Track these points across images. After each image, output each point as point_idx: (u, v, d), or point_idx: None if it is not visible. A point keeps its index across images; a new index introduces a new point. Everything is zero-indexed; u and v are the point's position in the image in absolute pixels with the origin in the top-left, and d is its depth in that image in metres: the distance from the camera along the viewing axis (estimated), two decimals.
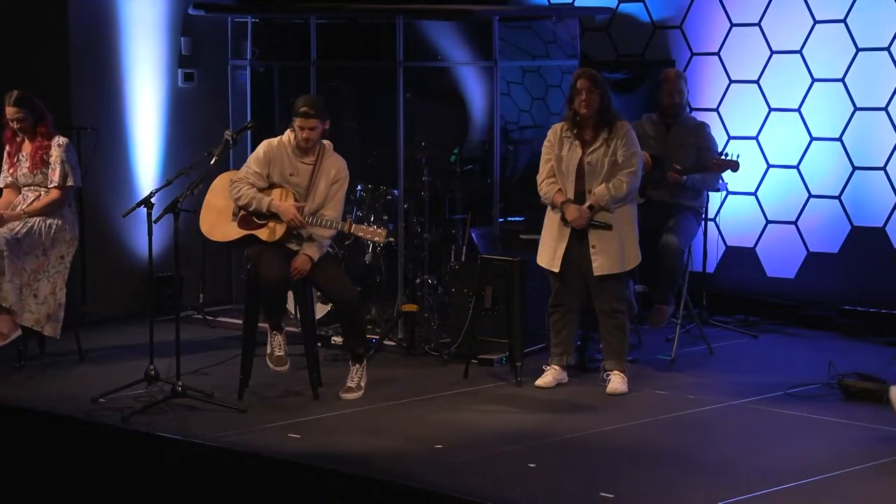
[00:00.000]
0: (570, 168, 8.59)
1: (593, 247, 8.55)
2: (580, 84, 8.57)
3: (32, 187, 9.23)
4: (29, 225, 9.12)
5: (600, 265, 8.55)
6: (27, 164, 9.20)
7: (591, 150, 8.57)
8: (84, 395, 8.41)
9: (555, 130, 8.74)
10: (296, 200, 8.38)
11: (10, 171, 9.30)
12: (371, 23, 11.12)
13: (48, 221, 9.15)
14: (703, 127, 9.88)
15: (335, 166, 8.47)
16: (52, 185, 9.18)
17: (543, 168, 8.71)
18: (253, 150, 11.14)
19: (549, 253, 8.68)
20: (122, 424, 7.86)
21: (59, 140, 9.22)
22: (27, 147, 9.24)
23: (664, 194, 9.63)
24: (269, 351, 8.52)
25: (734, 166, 9.57)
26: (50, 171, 9.16)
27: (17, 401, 8.42)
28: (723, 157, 9.72)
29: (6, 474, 7.89)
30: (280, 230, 8.36)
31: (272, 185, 8.45)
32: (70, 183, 9.23)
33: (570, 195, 8.59)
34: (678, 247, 9.48)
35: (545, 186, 8.69)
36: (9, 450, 8.04)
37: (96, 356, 9.50)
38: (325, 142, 8.50)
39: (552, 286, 8.77)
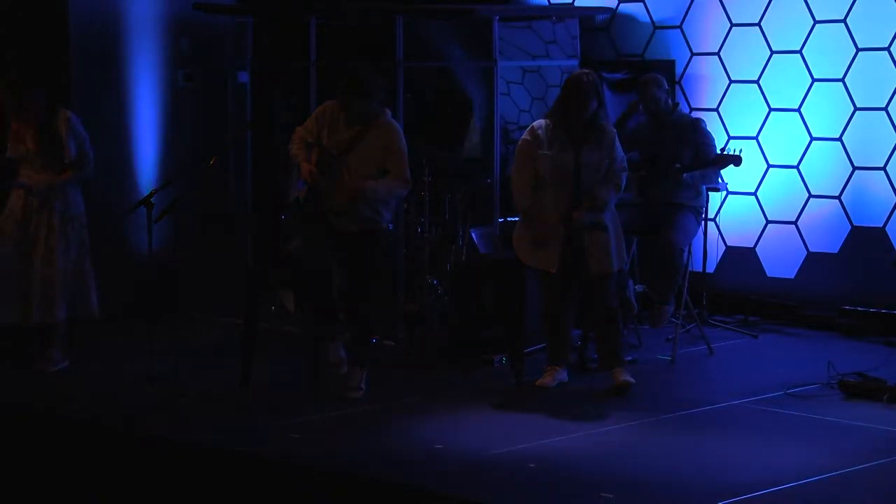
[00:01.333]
0: (566, 168, 8.53)
1: (589, 247, 8.54)
2: (581, 87, 8.53)
3: (41, 165, 9.02)
4: (62, 247, 9.02)
5: (596, 264, 8.54)
6: (31, 143, 8.98)
7: (586, 150, 8.52)
8: (84, 395, 8.41)
9: (538, 129, 8.65)
10: (325, 161, 8.31)
11: (19, 146, 9.07)
12: (371, 23, 11.12)
13: (71, 218, 9.01)
14: (699, 123, 9.88)
15: (383, 139, 8.27)
16: (68, 161, 8.97)
17: (523, 172, 8.60)
18: (253, 150, 11.25)
19: (545, 253, 8.64)
20: (122, 424, 7.85)
21: (66, 114, 9.00)
22: (25, 126, 9.03)
23: (664, 194, 9.63)
24: (331, 359, 8.44)
25: (737, 161, 9.56)
26: (63, 147, 8.96)
27: (17, 401, 8.43)
28: (724, 152, 9.72)
29: (6, 475, 7.89)
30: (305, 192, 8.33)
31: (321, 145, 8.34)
32: (90, 155, 9.07)
33: (565, 195, 8.53)
34: (678, 246, 9.47)
35: (528, 198, 8.63)
36: (9, 450, 8.04)
37: (96, 356, 9.50)
38: (384, 112, 8.34)
39: (548, 286, 8.74)
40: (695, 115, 10.45)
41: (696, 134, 9.77)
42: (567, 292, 8.71)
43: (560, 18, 11.30)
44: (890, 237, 10.20)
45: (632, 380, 8.59)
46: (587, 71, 8.79)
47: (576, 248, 8.56)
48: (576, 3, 11.58)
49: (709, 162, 9.63)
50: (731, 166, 9.61)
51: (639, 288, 9.89)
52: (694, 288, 9.91)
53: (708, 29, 11.01)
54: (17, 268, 9.00)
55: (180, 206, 8.29)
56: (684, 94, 11.05)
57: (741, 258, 10.93)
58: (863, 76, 10.29)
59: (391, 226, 9.86)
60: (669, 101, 9.98)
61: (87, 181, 9.27)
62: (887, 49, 10.14)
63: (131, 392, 8.40)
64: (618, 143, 8.61)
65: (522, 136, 8.68)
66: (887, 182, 10.20)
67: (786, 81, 10.65)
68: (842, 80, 10.37)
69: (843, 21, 10.33)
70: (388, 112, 8.40)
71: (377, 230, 8.38)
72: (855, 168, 10.35)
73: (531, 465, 7.09)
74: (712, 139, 9.87)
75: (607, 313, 8.66)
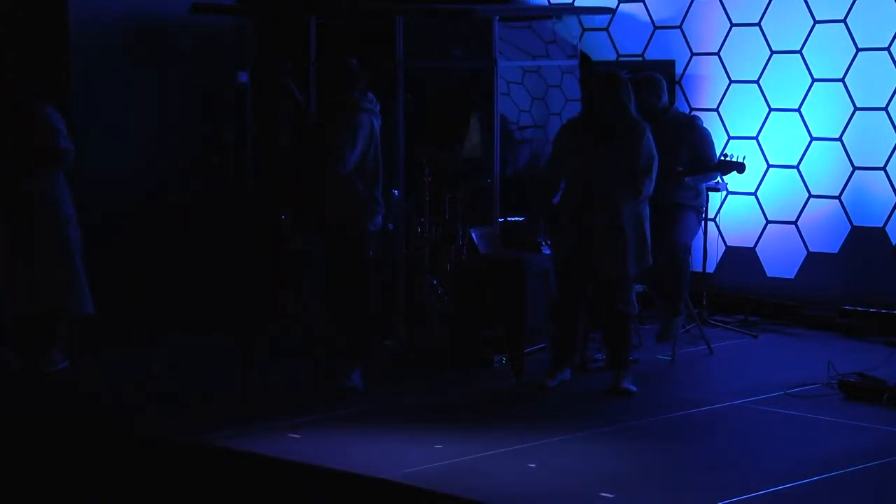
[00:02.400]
0: (581, 166, 8.51)
1: (603, 248, 8.51)
2: (600, 86, 8.52)
3: (22, 160, 8.97)
4: (41, 243, 8.96)
5: (604, 268, 8.52)
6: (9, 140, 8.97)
7: (604, 150, 8.48)
8: (85, 395, 8.40)
9: (567, 126, 8.73)
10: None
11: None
12: (371, 23, 11.11)
13: (56, 216, 8.98)
14: (695, 120, 9.86)
15: (345, 118, 8.38)
16: (44, 154, 8.90)
17: (550, 165, 8.74)
18: (253, 151, 11.24)
19: (561, 240, 8.64)
20: (122, 424, 7.85)
21: (38, 106, 8.97)
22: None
23: (664, 194, 9.62)
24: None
25: (740, 168, 9.56)
26: (31, 140, 8.90)
27: (17, 401, 8.42)
28: (727, 157, 9.71)
29: (6, 475, 7.89)
30: None
31: None
32: (64, 146, 8.99)
33: (579, 194, 8.52)
34: (682, 244, 9.45)
35: (542, 191, 8.69)
36: (9, 450, 8.04)
37: (96, 356, 9.49)
38: (361, 98, 8.41)
39: (556, 284, 8.74)
40: (692, 113, 10.45)
41: (692, 132, 9.76)
42: (577, 293, 8.68)
43: (560, 18, 11.31)
44: (890, 237, 10.20)
45: (633, 388, 8.57)
46: (607, 72, 8.80)
47: (586, 249, 8.52)
48: (576, 3, 11.58)
49: (711, 167, 9.62)
50: (735, 172, 9.62)
51: (639, 288, 9.88)
52: (694, 288, 9.91)
53: (708, 29, 11.02)
54: (5, 264, 9.01)
55: (180, 204, 8.26)
56: (684, 94, 11.05)
57: (741, 258, 10.93)
58: (863, 76, 10.29)
59: (391, 226, 9.87)
60: (665, 100, 9.95)
61: (70, 175, 9.21)
62: (887, 49, 10.15)
63: (131, 392, 8.40)
64: (647, 143, 8.50)
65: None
66: (887, 182, 10.20)
67: (786, 81, 10.65)
68: (842, 80, 10.37)
69: (843, 21, 10.33)
70: (356, 93, 8.44)
71: (364, 225, 8.38)
72: (855, 168, 10.36)
73: (531, 465, 7.09)
74: (709, 136, 9.85)
75: (615, 316, 8.64)
